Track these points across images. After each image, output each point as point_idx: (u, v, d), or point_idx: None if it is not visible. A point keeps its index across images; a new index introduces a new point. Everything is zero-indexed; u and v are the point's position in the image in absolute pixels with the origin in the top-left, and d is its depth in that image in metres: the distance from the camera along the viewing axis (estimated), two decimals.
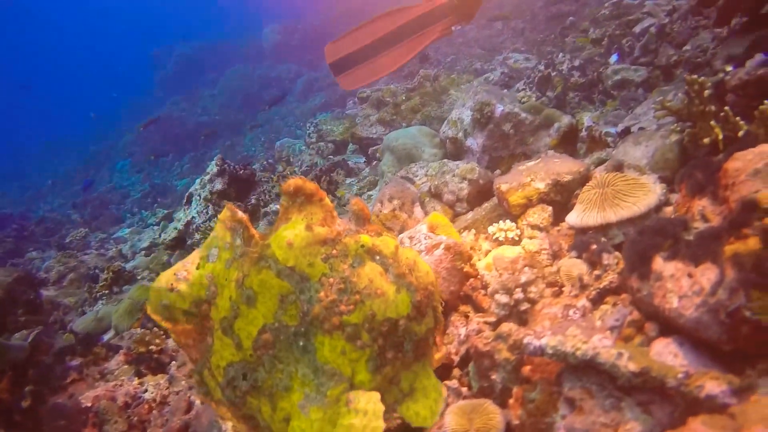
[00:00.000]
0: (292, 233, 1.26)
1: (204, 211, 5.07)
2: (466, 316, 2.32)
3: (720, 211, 1.88)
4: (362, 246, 1.25)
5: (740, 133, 2.08)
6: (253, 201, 5.06)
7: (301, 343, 1.24)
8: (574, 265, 2.14)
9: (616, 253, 2.05)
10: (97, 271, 5.57)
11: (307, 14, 15.79)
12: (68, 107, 25.13)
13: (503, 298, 2.01)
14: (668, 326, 1.65)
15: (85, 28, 35.07)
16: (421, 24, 4.33)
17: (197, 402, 2.57)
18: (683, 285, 1.56)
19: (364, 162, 6.64)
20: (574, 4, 8.56)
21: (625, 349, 1.56)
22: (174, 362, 2.91)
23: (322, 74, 13.64)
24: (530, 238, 2.61)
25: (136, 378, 2.81)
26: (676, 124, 2.55)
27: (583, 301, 1.90)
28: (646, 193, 2.30)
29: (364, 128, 7.05)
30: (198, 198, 5.21)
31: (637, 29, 5.76)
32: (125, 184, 12.39)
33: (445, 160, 3.65)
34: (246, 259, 1.27)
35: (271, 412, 1.28)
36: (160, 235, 5.88)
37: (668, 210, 2.30)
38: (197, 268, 1.38)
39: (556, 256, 2.44)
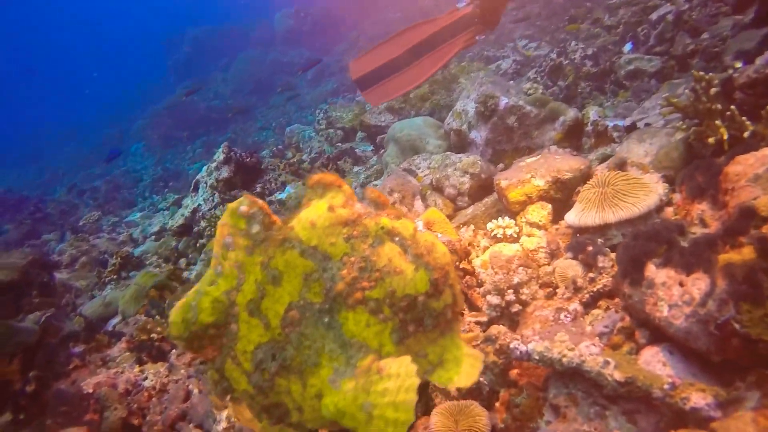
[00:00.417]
0: (315, 214, 1.31)
1: (210, 198, 5.10)
2: (461, 314, 2.31)
3: (719, 216, 1.83)
4: (382, 227, 1.28)
5: (746, 134, 2.02)
6: (258, 189, 5.08)
7: (326, 320, 1.29)
8: (569, 267, 2.11)
9: (612, 256, 2.02)
10: (106, 256, 5.66)
11: None
12: (82, 92, 25.37)
13: (495, 299, 2.00)
14: (659, 334, 1.63)
15: (99, 12, 35.19)
16: (446, 36, 4.36)
17: (195, 391, 2.62)
18: (674, 294, 1.53)
19: (372, 150, 6.61)
20: None
21: (613, 357, 1.55)
22: (174, 350, 2.96)
23: (333, 59, 13.54)
24: (528, 235, 2.58)
25: (137, 365, 2.87)
26: (682, 122, 2.48)
27: (575, 305, 1.88)
28: (647, 194, 2.25)
29: (373, 116, 6.99)
30: (204, 185, 5.25)
31: (654, 16, 5.59)
32: (138, 167, 12.52)
33: (449, 153, 3.61)
34: (270, 242, 1.31)
35: (302, 390, 1.32)
36: (168, 221, 5.94)
37: (670, 211, 2.25)
38: (225, 260, 1.40)
39: (553, 255, 2.41)
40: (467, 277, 2.47)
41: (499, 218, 2.71)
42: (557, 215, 2.63)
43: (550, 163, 2.66)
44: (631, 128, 3.22)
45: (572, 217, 2.37)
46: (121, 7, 34.66)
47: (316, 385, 1.30)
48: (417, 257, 1.28)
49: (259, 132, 11.87)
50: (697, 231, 1.84)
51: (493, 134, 3.50)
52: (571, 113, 3.33)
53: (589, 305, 1.91)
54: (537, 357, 1.58)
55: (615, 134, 3.24)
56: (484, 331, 1.94)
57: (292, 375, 1.33)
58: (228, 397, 1.53)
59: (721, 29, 4.42)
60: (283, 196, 4.92)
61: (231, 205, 1.40)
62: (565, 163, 2.63)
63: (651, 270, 1.64)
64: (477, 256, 2.61)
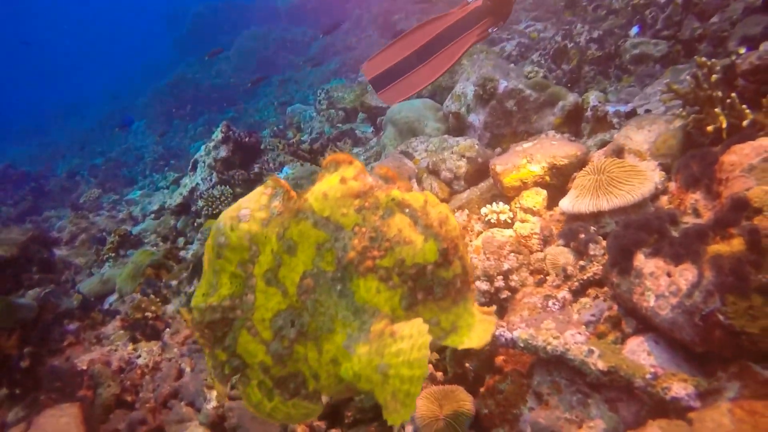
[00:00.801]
0: (328, 186, 1.34)
1: (208, 178, 5.08)
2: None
3: (713, 206, 1.81)
4: (393, 199, 1.31)
5: (745, 123, 1.98)
6: (256, 169, 5.05)
7: (338, 287, 1.33)
8: (560, 254, 2.10)
9: (604, 244, 2.00)
10: (104, 234, 5.68)
11: None
12: (84, 68, 25.15)
13: (484, 285, 1.99)
14: (645, 324, 1.62)
15: None
16: (458, 30, 4.36)
17: (187, 369, 2.65)
18: (661, 284, 1.51)
19: (372, 132, 6.56)
20: None
21: (597, 346, 1.54)
22: (168, 329, 2.98)
23: (337, 39, 13.35)
24: (522, 221, 2.56)
25: (131, 343, 2.89)
26: (682, 109, 2.43)
27: (563, 293, 1.87)
28: (642, 182, 2.22)
29: (374, 97, 6.91)
30: (203, 165, 5.22)
31: None
32: (139, 145, 12.48)
33: (446, 136, 3.57)
34: (285, 214, 1.36)
35: (318, 356, 1.38)
36: (166, 200, 5.94)
37: (665, 199, 2.22)
38: (232, 230, 1.44)
39: (546, 241, 2.40)
40: None
41: (494, 203, 2.69)
42: (552, 201, 2.60)
43: (547, 149, 2.63)
44: (631, 114, 3.17)
45: (566, 203, 2.34)
46: None
47: (331, 351, 1.35)
48: (426, 228, 1.29)
49: (261, 111, 11.79)
50: (690, 221, 1.82)
51: (492, 118, 3.46)
52: (571, 98, 3.28)
53: (578, 293, 1.91)
54: (522, 344, 1.58)
55: (614, 120, 3.19)
56: None
57: (309, 341, 1.38)
58: (233, 380, 1.54)
59: (731, 13, 4.29)
60: (280, 176, 4.90)
61: (266, 185, 1.44)
62: (561, 149, 2.60)
63: (640, 260, 1.62)
64: (470, 241, 2.60)
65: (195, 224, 5.02)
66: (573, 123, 3.31)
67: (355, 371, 1.28)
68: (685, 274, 1.47)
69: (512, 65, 3.85)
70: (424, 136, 3.93)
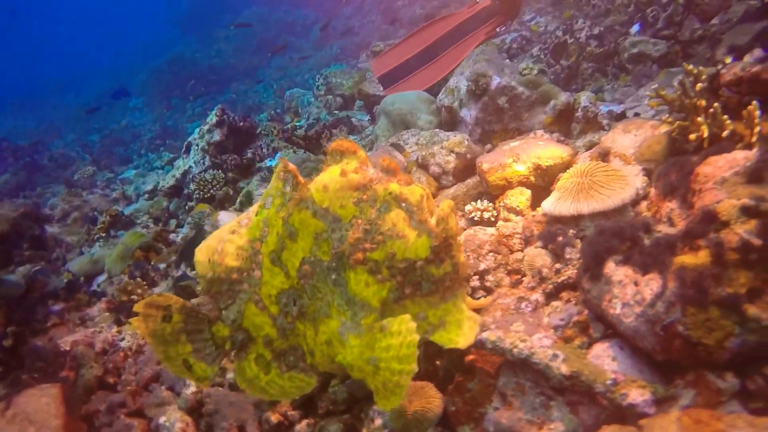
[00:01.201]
0: (328, 177, 1.39)
1: (201, 161, 5.07)
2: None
3: (687, 216, 1.83)
4: (390, 193, 1.35)
5: (724, 134, 1.99)
6: (249, 155, 5.05)
7: (333, 277, 1.39)
8: (538, 256, 2.13)
9: (580, 248, 2.03)
10: (95, 213, 5.69)
11: None
12: (81, 43, 24.81)
13: None
14: (612, 330, 1.66)
15: None
16: (466, 29, 4.42)
17: None
18: (627, 293, 1.54)
19: (369, 120, 6.54)
20: None
21: (563, 350, 1.58)
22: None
23: (339, 23, 13.21)
24: (506, 220, 2.59)
25: (115, 326, 2.93)
26: (668, 115, 2.44)
27: (537, 295, 1.90)
28: (623, 187, 2.24)
29: (371, 85, 6.87)
30: (196, 148, 5.22)
31: None
32: (137, 123, 12.42)
33: (437, 130, 3.58)
34: (291, 200, 1.42)
35: (314, 336, 1.45)
36: (159, 181, 5.94)
37: (645, 205, 2.25)
38: (256, 215, 1.55)
39: (528, 241, 2.42)
40: None
41: (478, 201, 2.71)
42: (537, 201, 2.62)
43: (532, 149, 2.65)
44: (621, 117, 3.18)
45: (548, 205, 2.36)
46: None
47: (327, 333, 1.42)
48: (420, 223, 1.33)
49: (260, 93, 11.71)
50: (664, 230, 1.85)
51: (483, 114, 3.46)
52: (563, 97, 3.28)
53: (552, 296, 1.94)
54: (490, 346, 1.62)
55: (605, 121, 3.20)
56: None
57: (308, 322, 1.46)
58: (229, 355, 1.59)
59: (732, 15, 4.27)
60: (272, 163, 4.90)
61: (276, 170, 1.52)
62: (547, 150, 2.61)
63: (610, 267, 1.65)
64: None
65: (186, 207, 5.04)
66: (564, 122, 3.31)
67: (348, 361, 1.37)
68: (651, 284, 1.50)
69: (508, 61, 3.84)
70: (416, 128, 3.93)
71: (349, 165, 1.39)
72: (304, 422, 1.97)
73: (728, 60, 2.18)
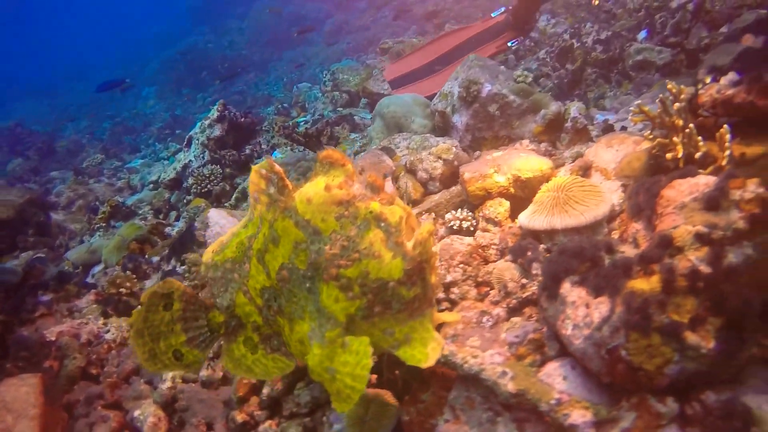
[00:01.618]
0: (313, 191, 1.44)
1: (200, 155, 5.15)
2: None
3: (650, 237, 1.84)
4: (371, 212, 1.38)
5: (698, 155, 1.99)
6: (247, 151, 5.11)
7: (308, 285, 1.45)
8: (506, 269, 2.15)
9: None
10: (97, 202, 5.80)
11: None
12: (97, 32, 25.05)
13: None
14: (566, 350, 1.67)
15: None
16: (477, 42, 4.52)
17: None
18: (578, 315, 1.56)
19: (371, 118, 6.56)
20: None
21: (513, 367, 1.60)
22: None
23: (351, 17, 13.21)
24: (484, 230, 2.60)
25: (102, 318, 3.01)
26: (649, 132, 2.43)
27: (498, 310, 1.92)
28: (598, 204, 2.24)
29: (376, 83, 6.89)
30: (197, 142, 5.29)
31: (675, 3, 5.29)
32: (148, 112, 12.56)
33: (428, 135, 3.59)
34: (278, 205, 1.48)
35: (290, 333, 1.55)
36: (161, 173, 6.03)
37: (616, 223, 2.25)
38: (253, 209, 1.63)
39: (503, 253, 2.44)
40: None
41: (459, 210, 2.73)
42: (517, 212, 2.63)
43: (514, 160, 2.65)
44: (609, 129, 3.17)
45: (523, 218, 2.38)
46: None
47: (300, 333, 1.51)
48: (397, 245, 1.37)
49: (270, 86, 11.76)
50: (629, 251, 1.85)
51: (474, 121, 3.47)
52: (554, 107, 3.27)
53: (514, 311, 1.96)
54: (442, 360, 1.65)
55: (594, 133, 3.19)
56: None
57: (285, 319, 1.55)
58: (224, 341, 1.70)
59: (740, 24, 4.18)
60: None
61: (255, 167, 1.58)
62: (527, 162, 2.62)
63: (566, 288, 1.67)
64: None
65: (185, 201, 5.12)
66: (553, 132, 3.30)
67: (310, 366, 1.47)
68: (600, 308, 1.52)
69: (503, 67, 3.83)
70: (409, 132, 3.95)
71: (334, 179, 1.42)
72: (268, 422, 2.02)
73: (708, 80, 2.17)
